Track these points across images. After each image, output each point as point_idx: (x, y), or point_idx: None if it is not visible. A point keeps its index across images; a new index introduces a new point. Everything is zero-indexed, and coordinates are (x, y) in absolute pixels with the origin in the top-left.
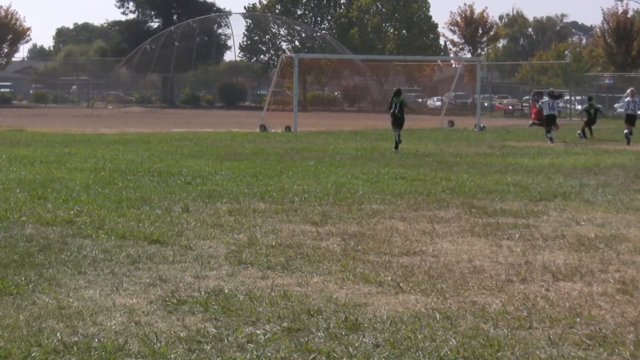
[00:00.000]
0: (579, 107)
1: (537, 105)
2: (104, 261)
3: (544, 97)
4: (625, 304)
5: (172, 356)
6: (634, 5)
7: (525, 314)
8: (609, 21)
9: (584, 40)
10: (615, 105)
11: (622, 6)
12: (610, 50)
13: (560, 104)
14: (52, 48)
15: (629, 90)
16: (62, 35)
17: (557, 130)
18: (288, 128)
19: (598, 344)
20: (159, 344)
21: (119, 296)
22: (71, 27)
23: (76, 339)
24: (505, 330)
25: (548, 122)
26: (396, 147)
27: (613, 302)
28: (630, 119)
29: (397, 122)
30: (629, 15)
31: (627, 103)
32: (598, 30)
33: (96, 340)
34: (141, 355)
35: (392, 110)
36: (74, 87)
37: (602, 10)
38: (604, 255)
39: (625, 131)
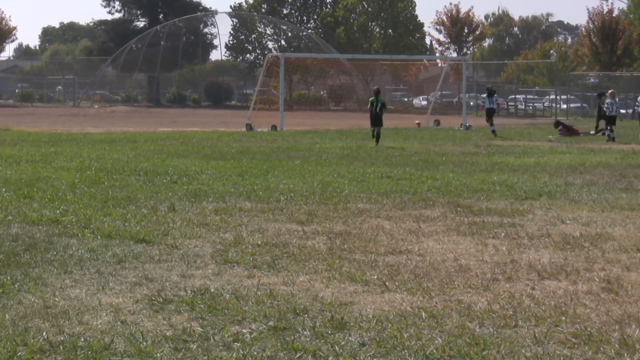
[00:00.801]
0: (564, 106)
1: (481, 102)
2: (90, 260)
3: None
4: (610, 302)
5: (158, 355)
6: (619, 4)
7: (511, 312)
8: (594, 20)
9: (569, 40)
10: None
11: (607, 5)
12: (596, 50)
13: (500, 99)
14: (37, 47)
15: (609, 92)
16: (48, 34)
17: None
18: (274, 127)
19: (583, 343)
20: (145, 343)
21: (105, 295)
22: (57, 26)
23: (62, 338)
24: (490, 329)
25: (488, 115)
26: (377, 142)
27: (598, 301)
28: (610, 120)
29: (377, 121)
30: (614, 15)
31: (610, 104)
32: (583, 29)
33: (82, 339)
34: (127, 354)
35: (371, 109)
36: (60, 87)
37: (588, 9)
38: (589, 254)
39: (607, 132)
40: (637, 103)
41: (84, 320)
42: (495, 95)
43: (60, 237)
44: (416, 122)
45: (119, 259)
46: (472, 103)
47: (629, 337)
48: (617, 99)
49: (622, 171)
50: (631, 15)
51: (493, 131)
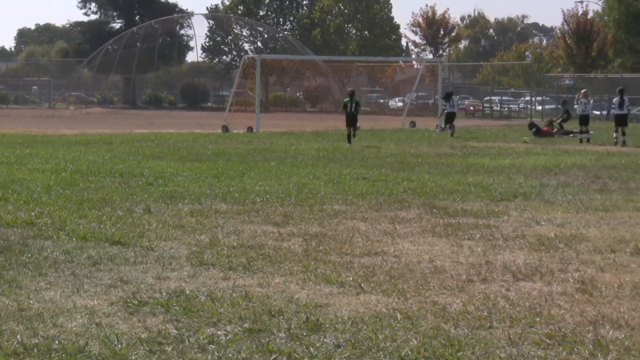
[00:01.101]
0: (539, 107)
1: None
2: (65, 262)
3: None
4: (584, 303)
5: (133, 358)
6: (594, 6)
7: (486, 313)
8: (569, 22)
9: (544, 41)
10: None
11: (582, 7)
12: (571, 51)
13: (460, 103)
14: (13, 49)
15: (582, 92)
16: (23, 35)
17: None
18: (250, 129)
19: (557, 343)
20: (119, 346)
21: (79, 298)
22: (33, 27)
23: (36, 341)
24: (465, 330)
25: (447, 118)
26: (349, 141)
27: (572, 302)
28: (583, 120)
29: (352, 120)
30: (589, 17)
31: (583, 104)
32: (558, 31)
33: (57, 342)
34: (102, 356)
35: (346, 110)
36: (35, 87)
37: (563, 11)
38: (563, 255)
39: (580, 133)
40: (612, 104)
41: (58, 322)
42: (455, 97)
43: (35, 239)
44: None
45: (94, 261)
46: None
47: (603, 337)
48: (590, 99)
49: (596, 172)
50: (606, 17)
51: (452, 133)
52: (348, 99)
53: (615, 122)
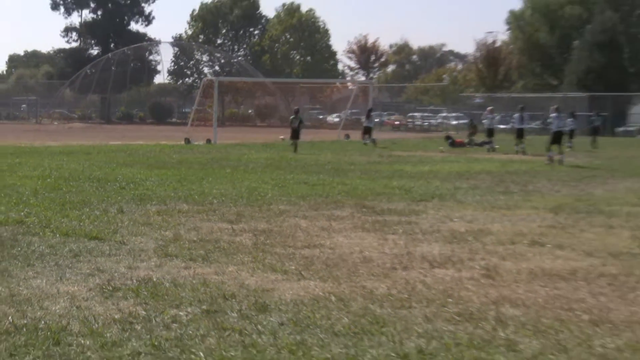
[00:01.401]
0: (455, 122)
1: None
2: (50, 255)
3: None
4: (488, 286)
5: (108, 335)
6: (501, 36)
7: (406, 295)
8: (480, 50)
9: (459, 66)
10: (484, 121)
11: (491, 37)
12: (481, 75)
13: (377, 119)
14: (5, 72)
15: (488, 109)
16: (13, 60)
17: (367, 140)
18: (209, 140)
19: (466, 320)
20: (97, 325)
21: (62, 285)
22: (22, 53)
23: (25, 322)
24: (389, 310)
25: (365, 131)
26: (295, 151)
27: (478, 285)
28: (489, 133)
29: (295, 134)
30: (497, 45)
31: (490, 119)
32: (471, 57)
33: (42, 322)
34: (81, 334)
35: (292, 125)
36: (24, 105)
37: (475, 40)
38: (472, 246)
39: (487, 144)
40: (512, 120)
41: (44, 306)
42: (373, 114)
43: (24, 235)
44: (281, 137)
45: (74, 253)
46: (377, 120)
47: (503, 315)
48: (496, 115)
49: (500, 177)
50: (511, 46)
51: (365, 143)
52: (294, 116)
53: (516, 135)
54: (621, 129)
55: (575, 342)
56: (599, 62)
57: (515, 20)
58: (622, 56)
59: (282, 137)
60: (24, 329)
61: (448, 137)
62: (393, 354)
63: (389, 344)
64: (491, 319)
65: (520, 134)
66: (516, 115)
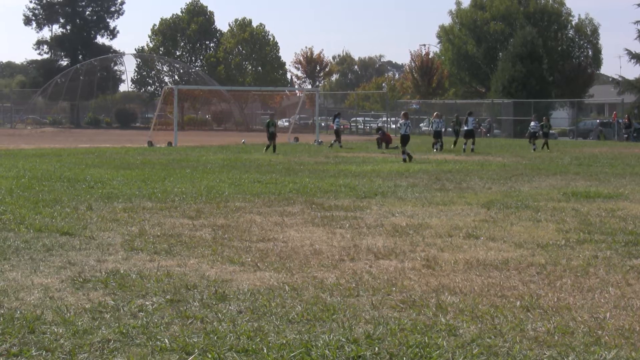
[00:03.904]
0: (393, 126)
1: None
2: (24, 249)
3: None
4: (429, 276)
5: (79, 323)
6: (433, 48)
7: (354, 285)
8: (415, 60)
9: (396, 75)
10: (421, 125)
11: (424, 49)
12: (417, 83)
13: (344, 120)
14: None
15: (435, 114)
16: None
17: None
18: (170, 143)
19: (409, 307)
20: (69, 314)
21: (36, 277)
22: None
23: (2, 312)
24: (338, 298)
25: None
26: (274, 151)
27: (420, 275)
28: (436, 135)
29: (272, 136)
30: (430, 56)
31: (437, 122)
32: (407, 67)
33: (18, 312)
34: (55, 323)
35: (269, 128)
36: None
37: (410, 52)
38: (413, 239)
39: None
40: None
41: (19, 297)
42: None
43: (0, 231)
44: (242, 140)
45: (47, 248)
46: (323, 124)
47: (443, 302)
48: (442, 119)
49: (437, 175)
50: (442, 57)
51: (321, 142)
52: (269, 120)
53: (464, 136)
54: None
55: (510, 326)
56: (521, 71)
57: (445, 34)
58: (541, 67)
59: (243, 140)
60: (1, 319)
61: (379, 129)
62: (343, 339)
63: (339, 330)
64: (432, 306)
65: (470, 135)
66: (470, 119)
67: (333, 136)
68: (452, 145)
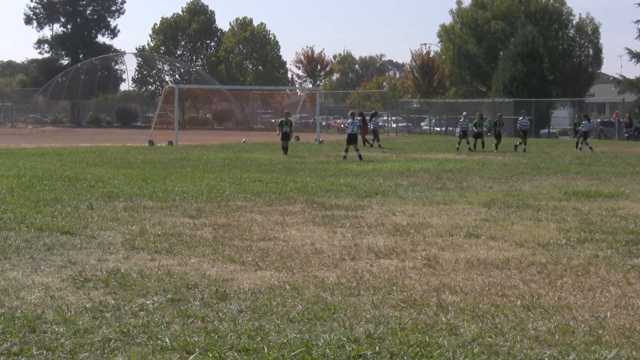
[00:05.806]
0: (394, 125)
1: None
2: (25, 249)
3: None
4: (429, 275)
5: (80, 322)
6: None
7: (355, 284)
8: (416, 60)
9: (397, 74)
10: (422, 124)
11: (425, 48)
12: (417, 82)
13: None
14: None
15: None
16: None
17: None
18: (170, 143)
19: (410, 306)
20: (69, 313)
21: (37, 276)
22: None
23: (3, 311)
24: (339, 297)
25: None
26: (285, 152)
27: (421, 274)
28: (471, 135)
29: (286, 137)
30: (430, 56)
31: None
32: (408, 66)
33: (19, 311)
34: (55, 322)
35: (282, 128)
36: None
37: (411, 51)
38: (413, 238)
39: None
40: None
41: (20, 296)
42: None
43: (1, 230)
44: (243, 139)
45: (48, 247)
46: (324, 123)
47: (444, 301)
48: (468, 120)
49: (437, 175)
50: (443, 56)
51: (321, 141)
52: (283, 119)
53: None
54: (544, 130)
55: (510, 325)
56: (522, 71)
57: (446, 33)
58: (542, 66)
59: (244, 139)
60: (2, 318)
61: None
62: (344, 338)
63: (340, 329)
64: (433, 305)
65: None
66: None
67: (333, 136)
68: (473, 147)
